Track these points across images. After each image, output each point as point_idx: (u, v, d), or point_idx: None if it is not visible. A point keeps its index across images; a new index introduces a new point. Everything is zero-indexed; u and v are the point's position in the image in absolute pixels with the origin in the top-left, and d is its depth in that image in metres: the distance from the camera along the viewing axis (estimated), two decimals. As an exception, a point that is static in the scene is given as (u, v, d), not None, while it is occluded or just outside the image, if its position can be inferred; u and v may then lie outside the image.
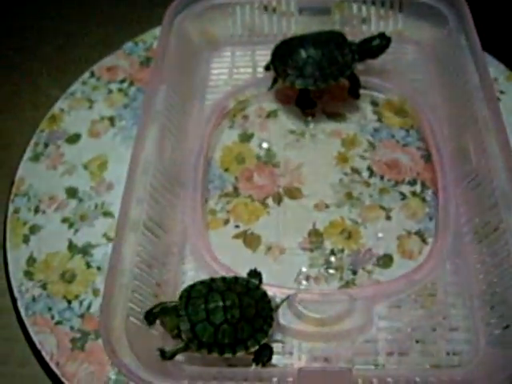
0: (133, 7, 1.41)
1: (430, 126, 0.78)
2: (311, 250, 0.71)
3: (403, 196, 0.74)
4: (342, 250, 0.70)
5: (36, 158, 0.82)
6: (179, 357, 0.60)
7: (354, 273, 0.69)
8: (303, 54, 0.78)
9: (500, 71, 0.87)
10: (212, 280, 0.61)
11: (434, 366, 0.61)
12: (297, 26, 0.86)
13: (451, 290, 0.66)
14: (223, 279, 0.62)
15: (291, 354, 0.62)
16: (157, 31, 0.94)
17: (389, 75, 0.86)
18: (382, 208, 0.74)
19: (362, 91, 0.82)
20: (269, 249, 0.71)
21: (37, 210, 0.77)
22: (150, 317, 0.59)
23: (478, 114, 0.69)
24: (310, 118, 0.83)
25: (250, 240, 0.72)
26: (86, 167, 0.81)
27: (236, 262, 0.69)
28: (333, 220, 0.73)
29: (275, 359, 0.61)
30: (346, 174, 0.77)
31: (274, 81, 0.82)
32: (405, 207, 0.74)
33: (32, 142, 0.84)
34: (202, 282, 0.61)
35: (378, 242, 0.71)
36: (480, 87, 0.71)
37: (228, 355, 0.58)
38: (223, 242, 0.72)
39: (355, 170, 0.77)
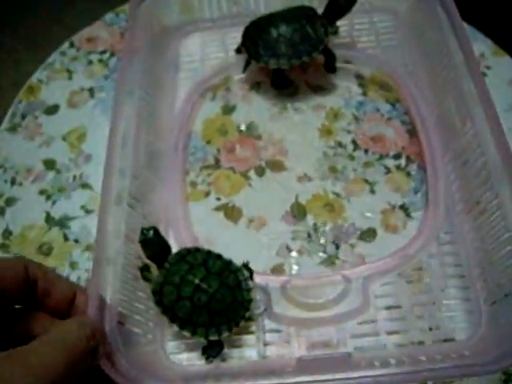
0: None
1: (413, 99, 0.76)
2: (294, 224, 0.69)
3: (388, 170, 0.73)
4: (325, 224, 0.69)
5: (13, 128, 0.81)
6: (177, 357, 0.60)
7: (337, 246, 0.68)
8: (274, 32, 0.75)
9: (487, 46, 0.85)
10: (217, 256, 0.60)
11: (437, 342, 0.60)
12: (266, 3, 0.83)
13: (447, 261, 0.65)
14: (228, 263, 0.60)
15: (289, 342, 0.61)
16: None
17: (367, 47, 0.84)
18: (366, 182, 0.72)
19: (345, 65, 0.81)
20: (250, 222, 0.70)
21: (13, 182, 0.76)
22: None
23: (463, 86, 0.67)
24: (293, 91, 0.81)
25: (231, 213, 0.71)
26: (64, 139, 0.79)
27: (217, 235, 0.68)
28: (316, 193, 0.72)
29: (274, 349, 0.60)
30: (329, 147, 0.75)
31: (247, 63, 0.80)
32: (389, 181, 0.72)
33: (9, 113, 0.82)
34: (208, 253, 0.61)
35: (361, 216, 0.70)
36: (462, 57, 0.68)
37: (175, 327, 0.58)
38: (204, 214, 0.71)
39: (339, 144, 0.76)
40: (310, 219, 0.70)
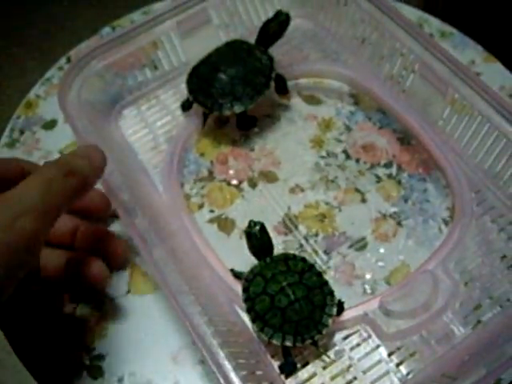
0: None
1: (396, 108, 0.76)
2: (286, 234, 0.70)
3: (379, 179, 0.74)
4: (317, 234, 0.70)
5: (12, 144, 0.82)
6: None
7: (329, 256, 0.69)
8: (224, 77, 0.74)
9: (477, 52, 0.86)
10: (318, 274, 0.62)
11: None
12: (184, 51, 0.82)
13: (494, 215, 0.69)
14: (324, 283, 0.61)
15: (420, 351, 0.61)
16: (134, 16, 0.94)
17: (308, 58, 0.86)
18: (358, 191, 0.74)
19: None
20: (243, 233, 0.71)
21: (12, 197, 0.77)
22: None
23: (425, 60, 0.71)
24: (286, 102, 0.82)
25: (225, 224, 0.72)
26: (61, 153, 0.80)
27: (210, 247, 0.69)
28: (308, 204, 0.73)
29: (414, 364, 0.61)
30: (321, 157, 0.77)
31: (205, 116, 0.78)
32: (380, 190, 0.73)
33: (8, 129, 0.84)
34: (311, 266, 0.62)
35: (352, 225, 0.71)
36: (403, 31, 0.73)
37: (259, 331, 0.60)
38: (198, 226, 0.72)
39: (331, 154, 0.77)
40: (302, 229, 0.71)
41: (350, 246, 0.69)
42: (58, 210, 0.51)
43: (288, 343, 0.58)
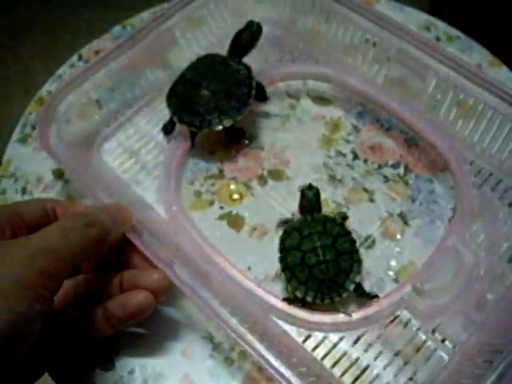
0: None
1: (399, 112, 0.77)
2: (295, 231, 0.71)
3: (386, 179, 0.75)
4: (325, 232, 0.71)
5: (24, 139, 0.83)
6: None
7: (337, 254, 0.70)
8: (207, 93, 0.73)
9: (483, 56, 0.87)
10: (351, 241, 0.66)
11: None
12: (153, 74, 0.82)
13: (499, 191, 0.73)
14: (354, 251, 0.65)
15: (455, 327, 0.63)
16: (145, 15, 0.95)
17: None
18: (365, 190, 0.75)
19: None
20: (253, 230, 0.72)
21: (24, 191, 0.78)
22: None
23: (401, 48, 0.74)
24: (295, 102, 0.83)
25: (234, 221, 0.73)
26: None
27: (220, 243, 0.70)
28: (316, 202, 0.74)
29: (454, 337, 0.63)
30: (329, 156, 0.78)
31: (193, 135, 0.76)
32: (388, 190, 0.75)
33: (20, 124, 0.85)
34: (347, 232, 0.66)
35: (360, 224, 0.72)
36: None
37: (286, 281, 0.64)
38: (208, 222, 0.73)
39: (339, 153, 0.78)
40: (310, 227, 0.72)
41: (358, 244, 0.70)
42: (74, 257, 0.53)
43: (309, 298, 0.62)
